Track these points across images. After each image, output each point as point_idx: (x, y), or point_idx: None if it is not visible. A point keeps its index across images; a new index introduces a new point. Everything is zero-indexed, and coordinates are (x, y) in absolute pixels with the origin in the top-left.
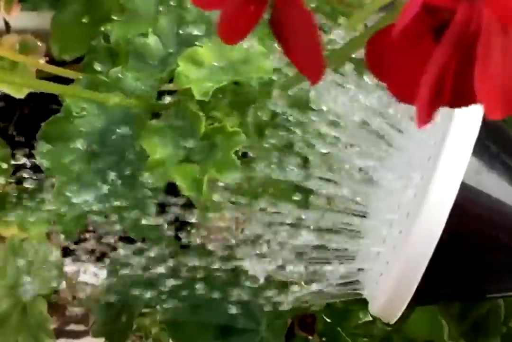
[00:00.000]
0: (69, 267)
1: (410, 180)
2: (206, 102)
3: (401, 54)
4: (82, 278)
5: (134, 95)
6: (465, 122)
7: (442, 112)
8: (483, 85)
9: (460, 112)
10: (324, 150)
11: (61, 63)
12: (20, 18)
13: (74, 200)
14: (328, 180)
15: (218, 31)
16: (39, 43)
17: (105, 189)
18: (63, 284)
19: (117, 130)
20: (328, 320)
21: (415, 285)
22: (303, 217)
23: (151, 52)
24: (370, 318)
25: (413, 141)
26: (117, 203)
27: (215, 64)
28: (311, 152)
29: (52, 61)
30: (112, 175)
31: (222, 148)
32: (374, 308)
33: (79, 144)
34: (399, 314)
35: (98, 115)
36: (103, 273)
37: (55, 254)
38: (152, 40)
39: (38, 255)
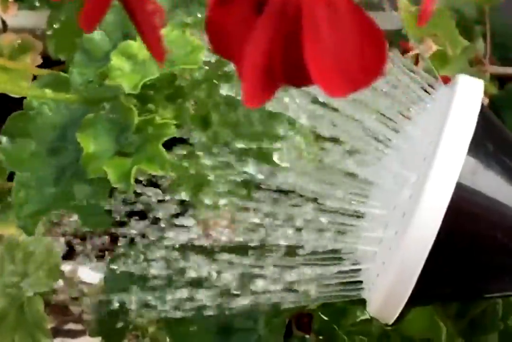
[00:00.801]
0: (67, 265)
1: (406, 180)
2: (143, 96)
3: (232, 32)
4: (80, 276)
5: (76, 90)
6: (460, 121)
7: (438, 111)
8: (315, 63)
9: (456, 111)
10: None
11: (57, 62)
12: (17, 17)
13: (33, 195)
14: (323, 181)
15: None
16: (36, 42)
17: (63, 184)
18: (61, 283)
19: (74, 127)
20: (325, 318)
21: (412, 286)
22: (299, 218)
23: (96, 48)
24: (368, 316)
25: (409, 141)
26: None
27: (147, 57)
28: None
29: (48, 60)
30: (71, 171)
31: (151, 141)
32: (371, 309)
33: (39, 140)
34: (396, 315)
35: (59, 112)
36: (101, 272)
37: (53, 253)
38: (97, 35)
39: (35, 254)
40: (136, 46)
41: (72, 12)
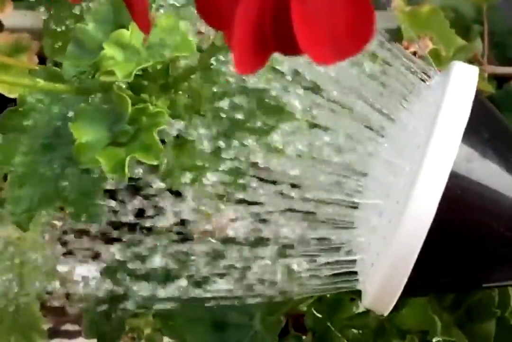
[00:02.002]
0: (63, 266)
1: (400, 169)
2: (136, 85)
3: (222, 1)
4: (76, 277)
5: (69, 82)
6: (454, 109)
7: (433, 99)
8: (304, 30)
9: (450, 98)
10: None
11: (54, 63)
12: (13, 17)
13: (28, 191)
14: (318, 172)
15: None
16: (32, 42)
17: (57, 179)
18: (57, 284)
19: (69, 121)
20: (318, 315)
21: (406, 276)
22: (295, 207)
23: (89, 39)
24: (364, 309)
25: (404, 129)
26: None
27: (140, 46)
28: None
29: (45, 60)
30: (65, 165)
31: (145, 130)
32: (366, 300)
33: (33, 135)
34: (391, 306)
35: (52, 107)
36: (97, 273)
37: (49, 253)
38: (91, 27)
39: (31, 254)
40: (129, 35)
41: (68, 12)
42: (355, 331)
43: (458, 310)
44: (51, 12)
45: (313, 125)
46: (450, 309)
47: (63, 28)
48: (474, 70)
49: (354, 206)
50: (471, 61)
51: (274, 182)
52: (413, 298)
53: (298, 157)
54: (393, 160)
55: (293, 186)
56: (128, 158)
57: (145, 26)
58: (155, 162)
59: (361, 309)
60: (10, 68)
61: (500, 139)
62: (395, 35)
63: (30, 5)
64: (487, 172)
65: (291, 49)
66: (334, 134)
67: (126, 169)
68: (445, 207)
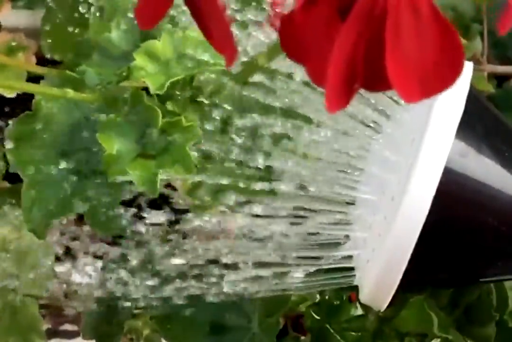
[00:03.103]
0: (62, 266)
1: (395, 165)
2: (165, 97)
3: (312, 36)
4: (75, 278)
5: (92, 90)
6: (448, 104)
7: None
8: (396, 68)
9: (444, 94)
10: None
11: (52, 62)
12: (11, 17)
13: (43, 198)
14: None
15: (134, 15)
16: (30, 42)
17: (73, 186)
18: (56, 284)
19: (86, 128)
20: (316, 317)
21: (401, 271)
22: (291, 205)
23: (114, 47)
24: (362, 312)
25: (399, 126)
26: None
27: (172, 57)
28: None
29: (43, 59)
30: (82, 173)
31: (177, 143)
32: (363, 295)
33: (50, 142)
34: (387, 301)
35: (69, 112)
36: (96, 273)
37: (48, 254)
38: (115, 35)
39: (30, 255)
40: (160, 46)
41: (67, 10)
42: (354, 333)
43: (455, 310)
44: (49, 11)
45: (308, 121)
46: (447, 309)
47: (62, 27)
48: (468, 65)
49: (350, 202)
50: (470, 60)
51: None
52: (411, 300)
53: (293, 154)
54: (388, 156)
55: (289, 182)
56: (160, 172)
57: (230, 53)
58: (187, 176)
59: (359, 312)
60: (7, 69)
61: (495, 134)
62: None
63: (28, 4)
64: (482, 167)
65: (380, 86)
66: (329, 130)
67: (158, 183)
68: (440, 202)
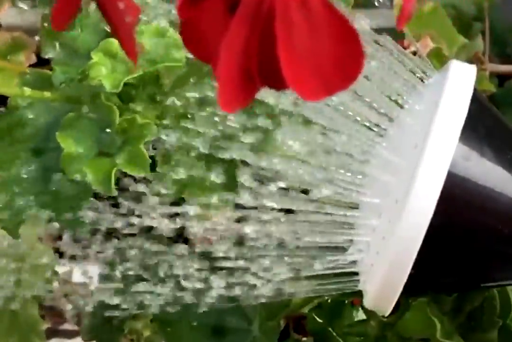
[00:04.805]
0: (62, 267)
1: (398, 168)
2: (125, 95)
3: (208, 33)
4: (74, 278)
5: (58, 89)
6: (452, 107)
7: (431, 98)
8: (290, 65)
9: (447, 97)
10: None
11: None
12: (10, 15)
13: (16, 197)
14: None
15: None
16: (29, 41)
17: (46, 185)
18: (56, 284)
19: (58, 127)
20: (319, 320)
21: (406, 275)
22: (295, 209)
23: (80, 46)
24: (364, 317)
25: (402, 128)
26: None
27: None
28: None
29: (43, 58)
30: (53, 171)
31: (132, 141)
32: (367, 300)
33: (23, 140)
34: (392, 305)
35: (43, 112)
36: (96, 274)
37: (47, 254)
38: (81, 33)
39: (29, 255)
40: (117, 44)
41: None
42: (356, 338)
43: (459, 316)
44: (49, 10)
45: (310, 125)
46: (451, 314)
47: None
48: (472, 68)
49: (354, 206)
50: (472, 59)
51: (271, 182)
52: (414, 303)
53: (295, 157)
54: (391, 159)
55: (291, 186)
56: (114, 171)
57: (132, 53)
58: (142, 174)
59: (361, 317)
60: (3, 69)
61: (498, 137)
62: (396, 34)
63: (27, 2)
64: (486, 170)
65: (278, 84)
66: (332, 133)
67: (113, 182)
68: (444, 205)
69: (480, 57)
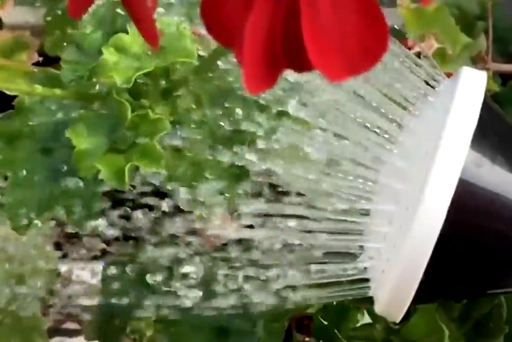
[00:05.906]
0: (64, 266)
1: (409, 175)
2: (136, 91)
3: (232, 16)
4: (77, 277)
5: (67, 87)
6: (463, 114)
7: (441, 105)
8: (315, 45)
9: (458, 104)
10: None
11: (55, 60)
12: (13, 14)
13: (27, 196)
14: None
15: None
16: (32, 40)
17: (57, 184)
18: (57, 284)
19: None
20: (324, 322)
21: (417, 282)
22: (305, 216)
23: (89, 43)
24: (369, 321)
25: (412, 135)
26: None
27: (140, 50)
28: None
29: (47, 57)
30: (64, 170)
31: (145, 136)
32: (378, 307)
33: (32, 139)
34: (403, 312)
35: (52, 110)
36: (98, 273)
37: (50, 254)
38: (90, 31)
39: (31, 255)
40: (128, 39)
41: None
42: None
43: (466, 323)
44: (52, 9)
45: (322, 132)
46: (458, 321)
47: (64, 25)
48: (482, 75)
49: (365, 213)
50: (475, 58)
51: (282, 190)
52: (420, 309)
53: (307, 165)
54: (402, 166)
55: (302, 193)
56: (128, 166)
57: (153, 39)
58: (155, 170)
59: (366, 320)
60: (6, 69)
61: (510, 144)
62: (399, 33)
63: (30, 1)
64: (497, 177)
65: (303, 65)
66: (343, 141)
67: (126, 177)
68: (455, 212)
69: (483, 56)
